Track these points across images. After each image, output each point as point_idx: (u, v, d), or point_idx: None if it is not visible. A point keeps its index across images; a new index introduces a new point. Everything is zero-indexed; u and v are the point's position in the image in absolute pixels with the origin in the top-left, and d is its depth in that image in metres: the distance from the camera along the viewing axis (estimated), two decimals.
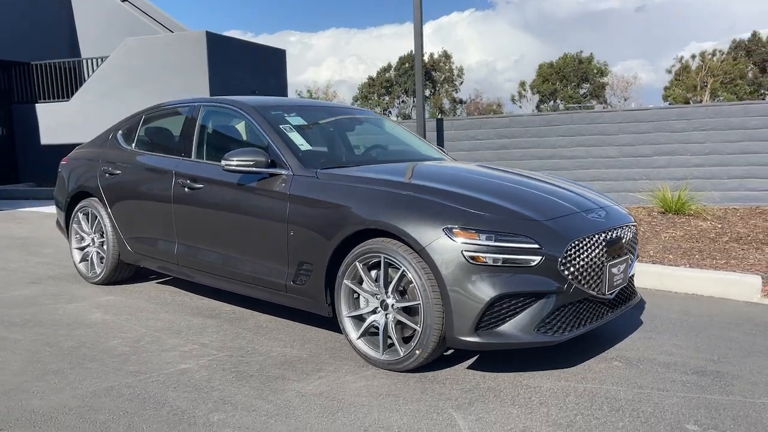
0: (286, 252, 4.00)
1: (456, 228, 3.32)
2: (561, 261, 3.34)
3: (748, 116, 8.76)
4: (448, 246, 3.29)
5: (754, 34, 63.14)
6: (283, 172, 4.09)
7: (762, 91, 64.02)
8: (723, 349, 3.90)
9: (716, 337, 4.13)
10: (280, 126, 4.45)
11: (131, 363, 3.71)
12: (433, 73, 68.15)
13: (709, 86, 59.09)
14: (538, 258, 3.29)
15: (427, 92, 68.48)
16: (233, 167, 4.12)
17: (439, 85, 67.82)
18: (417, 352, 3.43)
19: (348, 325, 3.73)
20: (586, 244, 3.49)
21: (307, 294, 3.94)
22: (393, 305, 3.54)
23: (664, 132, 9.10)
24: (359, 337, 3.69)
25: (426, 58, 67.62)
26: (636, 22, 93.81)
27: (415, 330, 3.45)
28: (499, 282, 3.26)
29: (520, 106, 63.23)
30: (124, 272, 5.50)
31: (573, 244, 3.42)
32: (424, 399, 3.19)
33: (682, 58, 62.73)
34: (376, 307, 3.62)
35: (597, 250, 3.54)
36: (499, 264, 3.27)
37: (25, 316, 4.64)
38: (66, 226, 5.82)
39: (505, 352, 3.75)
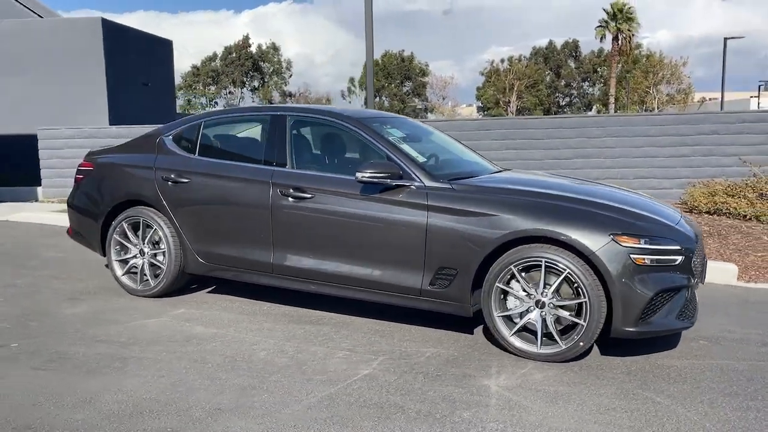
0: (423, 258, 4.28)
1: (620, 234, 3.88)
2: (692, 258, 4.04)
3: (649, 125, 10.25)
4: (616, 250, 3.84)
5: (551, 43, 70.29)
6: (413, 183, 4.35)
7: (557, 94, 71.71)
8: (763, 325, 4.84)
9: (747, 316, 5.09)
10: (390, 139, 4.69)
11: (311, 372, 3.80)
12: (262, 64, 67.41)
13: (515, 88, 64.84)
14: (680, 257, 3.96)
15: (256, 83, 67.62)
16: (367, 179, 4.32)
17: (267, 76, 67.18)
18: (581, 343, 3.94)
19: (500, 324, 4.13)
20: (700, 242, 4.24)
21: (448, 297, 4.26)
22: (550, 304, 4.00)
23: (583, 137, 10.35)
24: (513, 334, 4.10)
25: (253, 48, 66.77)
26: (443, 25, 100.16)
27: (576, 324, 3.95)
28: (657, 280, 3.88)
29: (350, 102, 64.74)
30: (179, 284, 5.32)
31: (697, 243, 4.15)
32: (611, 383, 3.71)
33: (493, 61, 68.04)
34: (530, 307, 4.06)
35: (702, 246, 4.31)
36: (654, 264, 3.88)
37: (120, 335, 4.41)
38: (101, 237, 5.46)
39: (610, 340, 4.35)
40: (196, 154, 5.25)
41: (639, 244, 3.87)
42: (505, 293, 4.13)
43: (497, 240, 4.07)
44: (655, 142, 10.24)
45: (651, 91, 57.84)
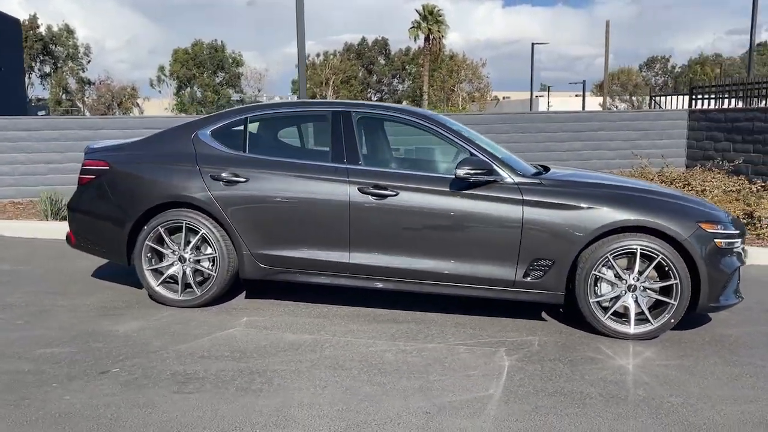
0: (518, 251, 4.48)
1: (704, 221, 4.40)
2: (743, 243, 4.70)
3: (550, 122, 11.25)
4: (703, 236, 4.35)
5: (363, 39, 72.39)
6: (504, 178, 4.52)
7: (369, 90, 74.08)
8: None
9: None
10: (467, 135, 4.81)
11: (460, 368, 3.83)
12: (54, 47, 61.25)
13: (332, 83, 65.86)
14: (739, 241, 4.59)
15: (47, 69, 61.31)
16: (464, 175, 4.42)
17: (62, 61, 61.21)
18: (672, 321, 4.40)
19: (596, 309, 4.46)
20: None
21: (542, 287, 4.51)
22: (641, 287, 4.42)
23: (493, 133, 11.05)
24: (607, 317, 4.46)
25: (43, 30, 60.37)
26: (247, 16, 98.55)
27: (667, 304, 4.40)
28: (729, 261, 4.46)
29: (159, 91, 61.26)
30: (225, 291, 4.96)
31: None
32: (712, 355, 4.21)
33: (309, 55, 68.37)
34: (622, 291, 4.45)
35: None
36: (727, 248, 4.46)
37: (216, 349, 4.05)
38: (127, 245, 4.89)
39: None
40: (246, 152, 4.91)
41: (718, 229, 4.41)
42: (598, 280, 4.46)
43: (597, 231, 4.38)
44: (554, 138, 11.24)
45: (456, 89, 62.01)
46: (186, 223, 4.79)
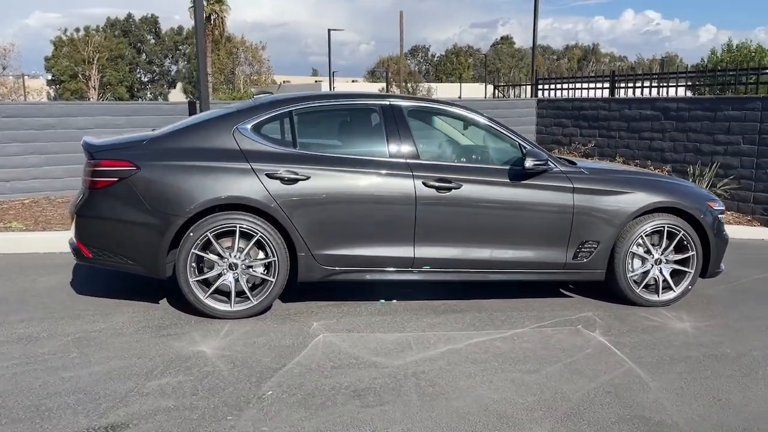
0: (569, 235, 4.86)
1: (710, 201, 5.15)
2: None
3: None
4: (711, 212, 5.08)
5: (130, 15, 67.33)
6: (553, 168, 4.85)
7: (139, 70, 69.30)
8: None
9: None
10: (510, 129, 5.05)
11: (598, 357, 4.11)
12: None
13: (96, 61, 60.38)
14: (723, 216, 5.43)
15: None
16: (531, 166, 4.69)
17: None
18: (689, 287, 5.11)
19: (632, 283, 5.00)
20: None
21: (589, 267, 4.94)
22: (665, 260, 5.06)
23: None
24: (641, 289, 5.03)
25: None
26: None
27: (685, 273, 5.09)
28: (725, 233, 5.26)
29: None
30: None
31: None
32: (733, 308, 4.99)
33: (66, 30, 61.91)
34: (651, 264, 5.05)
35: None
36: (722, 222, 5.26)
37: (338, 358, 3.84)
38: (172, 254, 4.34)
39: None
40: (297, 147, 4.62)
41: (717, 207, 5.18)
42: (633, 256, 5.00)
43: (635, 212, 4.90)
44: None
45: (236, 72, 60.64)
46: (240, 227, 4.38)
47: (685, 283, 5.07)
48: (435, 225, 4.65)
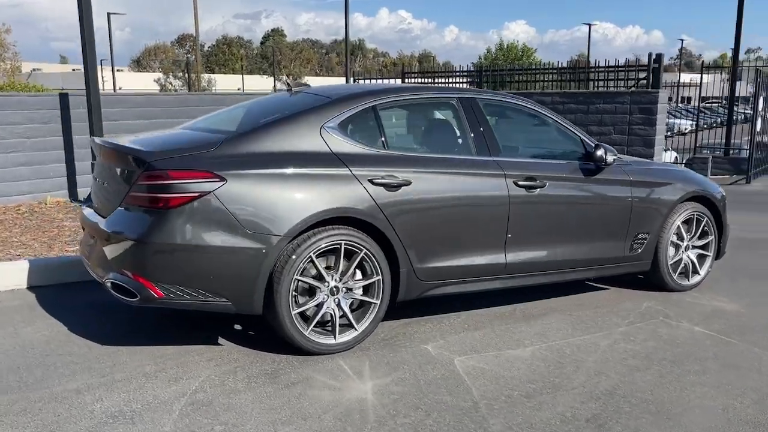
0: (627, 228, 4.90)
1: (719, 189, 5.52)
2: None
3: None
4: (721, 197, 5.43)
5: None
6: (610, 162, 4.85)
7: None
8: None
9: None
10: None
11: (731, 346, 4.14)
12: None
13: None
14: None
15: None
16: (611, 161, 4.65)
17: None
18: (710, 269, 5.45)
19: (671, 270, 5.18)
20: None
21: (640, 258, 5.02)
22: (692, 246, 5.33)
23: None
24: (677, 275, 5.24)
25: None
26: None
27: (707, 258, 5.41)
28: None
29: None
30: None
31: None
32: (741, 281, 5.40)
33: None
34: (682, 249, 5.29)
35: None
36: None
37: (512, 398, 3.43)
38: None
39: None
40: (387, 147, 4.01)
41: (722, 193, 5.59)
42: (671, 244, 5.19)
43: (677, 202, 5.08)
44: None
45: None
46: (344, 244, 3.70)
47: (706, 266, 5.38)
48: (524, 227, 4.37)
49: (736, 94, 15.75)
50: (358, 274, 3.83)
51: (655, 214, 4.96)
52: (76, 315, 4.30)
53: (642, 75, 10.78)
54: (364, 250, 3.74)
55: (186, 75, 55.04)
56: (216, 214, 3.40)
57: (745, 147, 17.43)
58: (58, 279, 4.97)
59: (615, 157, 4.66)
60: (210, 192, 3.40)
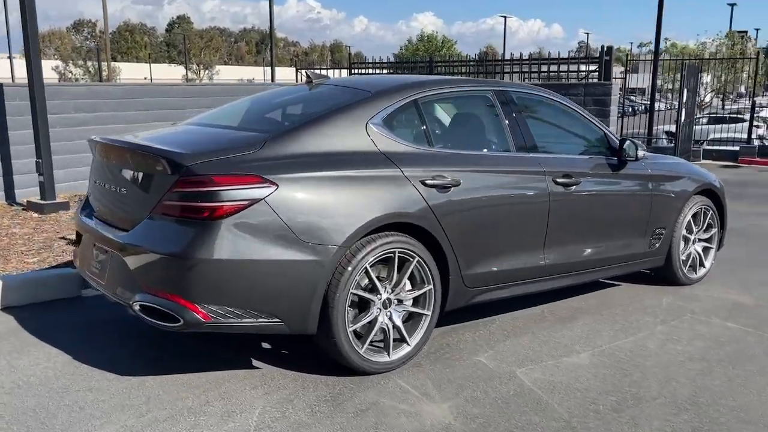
0: (647, 222, 4.82)
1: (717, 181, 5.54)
2: None
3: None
4: (721, 186, 5.44)
5: None
6: (643, 156, 4.71)
7: None
8: None
9: None
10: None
11: None
12: None
13: None
14: None
15: None
16: (642, 156, 4.54)
17: None
18: (713, 262, 5.47)
19: (682, 264, 5.15)
20: None
21: (657, 253, 4.95)
22: (699, 239, 5.33)
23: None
24: (687, 269, 5.22)
25: None
26: None
27: (711, 250, 5.42)
28: None
29: None
30: None
31: None
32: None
33: None
34: (691, 244, 5.27)
35: None
36: None
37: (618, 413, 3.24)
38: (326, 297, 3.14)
39: None
40: (432, 144, 3.70)
41: (722, 184, 5.63)
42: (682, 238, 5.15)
43: (690, 194, 5.04)
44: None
45: None
46: (398, 252, 3.37)
47: (710, 258, 5.39)
48: (561, 226, 4.18)
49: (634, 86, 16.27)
50: (408, 284, 3.52)
51: (672, 208, 4.90)
52: (74, 339, 3.76)
53: (593, 67, 10.91)
54: (417, 257, 3.43)
55: (87, 63, 52.02)
56: (268, 224, 3.00)
57: (663, 137, 18.26)
58: (36, 297, 4.36)
59: (645, 152, 4.54)
60: (261, 199, 2.99)
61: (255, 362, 3.50)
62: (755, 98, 17.57)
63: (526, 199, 3.97)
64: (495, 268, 3.86)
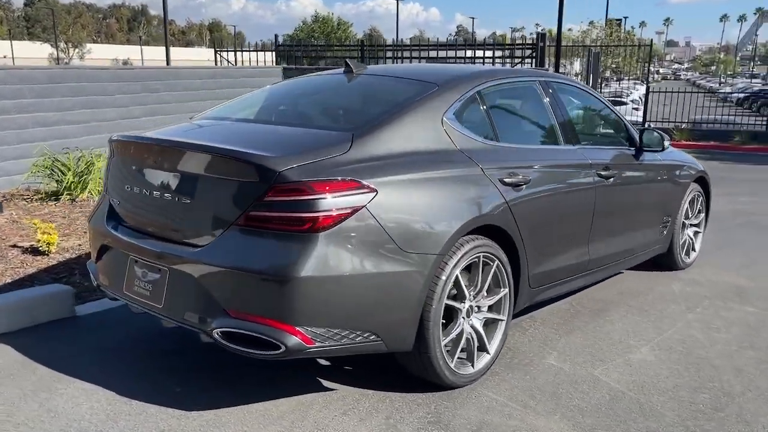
0: (661, 212, 4.89)
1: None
2: None
3: (195, 78, 9.94)
4: (709, 178, 5.67)
5: None
6: (660, 147, 4.72)
7: None
8: None
9: None
10: None
11: None
12: None
13: None
14: None
15: None
16: (663, 147, 4.56)
17: None
18: (694, 255, 5.65)
19: (681, 250, 5.29)
20: None
21: (664, 241, 5.05)
22: (691, 224, 5.49)
23: (148, 92, 9.09)
24: (684, 253, 5.38)
25: None
26: None
27: (699, 234, 5.60)
28: None
29: None
30: None
31: None
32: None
33: None
34: (687, 228, 5.40)
35: None
36: None
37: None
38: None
39: None
40: (499, 140, 3.50)
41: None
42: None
43: (689, 181, 5.16)
44: (198, 96, 10.07)
45: None
46: (483, 256, 3.17)
47: (699, 242, 5.57)
48: (601, 219, 4.13)
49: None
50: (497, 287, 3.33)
51: (677, 196, 5.01)
52: (100, 369, 3.26)
53: (528, 53, 11.06)
54: (497, 260, 3.24)
55: None
56: (370, 234, 2.69)
57: None
58: (29, 321, 3.77)
59: (669, 142, 4.57)
60: (363, 207, 2.67)
61: (327, 382, 3.18)
62: (624, 82, 18.62)
63: (580, 194, 3.88)
64: (552, 266, 3.75)
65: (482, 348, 3.26)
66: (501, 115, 3.78)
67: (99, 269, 3.29)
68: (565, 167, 3.80)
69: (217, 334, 2.68)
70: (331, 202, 2.60)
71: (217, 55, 12.96)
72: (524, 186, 3.39)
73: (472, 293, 3.17)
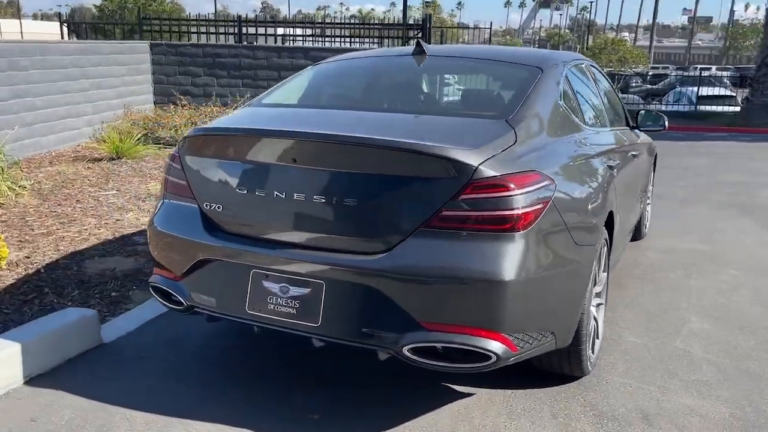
0: (646, 187, 5.20)
1: None
2: None
3: (63, 55, 8.71)
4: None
5: None
6: (662, 127, 4.91)
7: None
8: None
9: None
10: None
11: None
12: None
13: None
14: None
15: None
16: (665, 127, 4.79)
17: None
18: (648, 223, 6.13)
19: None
20: None
21: (641, 211, 5.36)
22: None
23: (14, 71, 7.80)
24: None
25: None
26: None
27: (649, 206, 6.07)
28: None
29: None
30: None
31: None
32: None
33: None
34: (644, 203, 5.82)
35: None
36: None
37: None
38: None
39: None
40: (586, 123, 3.45)
41: None
42: None
43: (654, 157, 5.53)
44: (69, 75, 8.88)
45: None
46: (605, 242, 3.16)
47: (649, 213, 6.02)
48: (626, 198, 4.24)
49: None
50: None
51: (650, 169, 5.33)
52: (200, 408, 2.75)
53: (414, 33, 11.13)
54: (607, 246, 3.24)
55: None
56: (555, 228, 2.54)
57: None
58: (61, 356, 3.08)
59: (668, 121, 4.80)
60: (550, 200, 2.51)
61: (459, 387, 2.97)
62: None
63: (633, 176, 4.00)
64: (620, 249, 3.85)
65: (596, 334, 3.24)
66: (579, 98, 3.74)
67: (193, 287, 2.75)
68: (624, 149, 3.89)
69: (406, 350, 2.37)
70: (529, 198, 2.41)
71: (62, 27, 11.33)
72: (615, 170, 3.40)
73: (597, 280, 3.13)
